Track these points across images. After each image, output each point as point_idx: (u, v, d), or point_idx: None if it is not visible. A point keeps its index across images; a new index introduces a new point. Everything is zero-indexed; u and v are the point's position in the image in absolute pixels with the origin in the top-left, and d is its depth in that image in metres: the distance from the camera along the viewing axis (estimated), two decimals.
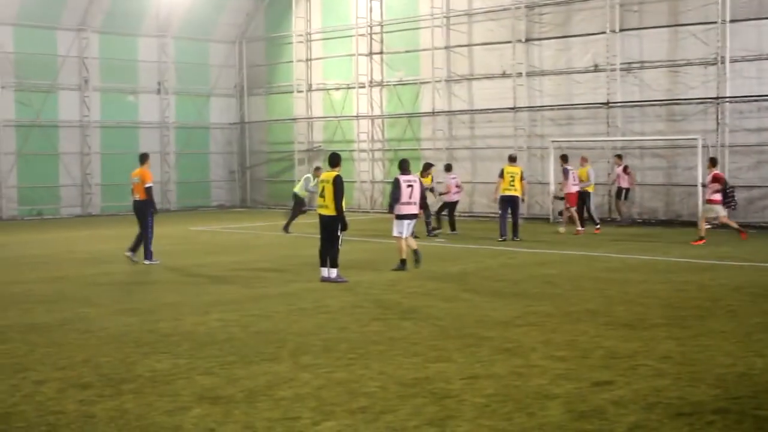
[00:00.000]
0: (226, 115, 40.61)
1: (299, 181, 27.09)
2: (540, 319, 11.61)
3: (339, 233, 15.26)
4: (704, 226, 21.63)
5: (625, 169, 27.43)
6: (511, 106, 31.45)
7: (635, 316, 11.76)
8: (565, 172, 25.31)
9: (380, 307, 12.72)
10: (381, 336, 10.56)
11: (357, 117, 36.45)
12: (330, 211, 15.15)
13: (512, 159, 23.75)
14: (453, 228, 24.86)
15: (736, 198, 25.98)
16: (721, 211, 21.61)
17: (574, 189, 25.02)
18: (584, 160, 25.65)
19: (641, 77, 28.70)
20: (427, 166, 24.66)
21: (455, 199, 25.48)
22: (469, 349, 9.75)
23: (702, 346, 9.86)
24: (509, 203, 22.78)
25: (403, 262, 16.80)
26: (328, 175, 15.22)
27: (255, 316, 11.97)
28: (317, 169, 25.76)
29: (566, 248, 20.75)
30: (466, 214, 32.16)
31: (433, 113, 33.79)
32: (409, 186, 16.88)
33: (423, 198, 23.71)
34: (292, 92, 38.74)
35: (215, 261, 18.87)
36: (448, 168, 26.31)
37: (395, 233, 16.94)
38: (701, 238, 21.42)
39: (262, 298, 13.64)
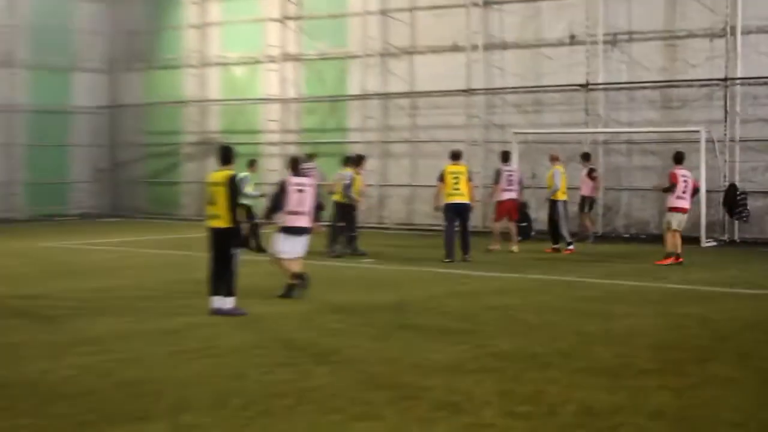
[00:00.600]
0: (92, 96, 40.22)
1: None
2: (497, 363, 11.55)
3: (234, 251, 15.06)
4: (671, 240, 21.88)
5: (590, 173, 27.44)
6: (464, 87, 31.54)
7: (619, 359, 11.76)
8: (497, 174, 25.32)
9: (289, 348, 12.57)
10: (289, 386, 10.40)
11: (265, 100, 36.27)
12: (223, 223, 14.93)
13: (456, 156, 23.49)
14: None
15: (748, 207, 26.36)
16: (674, 223, 21.88)
17: (506, 196, 25.02)
18: (554, 159, 25.55)
19: (630, 52, 29.00)
20: (359, 159, 24.49)
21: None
22: (404, 403, 9.65)
23: (704, 399, 9.87)
24: (456, 212, 22.71)
25: (290, 287, 16.72)
26: (219, 175, 15.03)
27: (122, 361, 11.72)
28: (252, 163, 25.42)
29: (533, 272, 20.79)
30: (404, 227, 32.13)
31: (364, 96, 33.75)
32: (300, 191, 16.72)
33: (349, 207, 23.70)
34: (180, 67, 38.43)
35: (73, 287, 18.50)
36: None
37: (277, 251, 16.81)
38: (669, 256, 21.73)
39: (133, 335, 13.38)
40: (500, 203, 25.24)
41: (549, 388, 10.30)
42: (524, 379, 10.69)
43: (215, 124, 38.03)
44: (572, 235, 25.57)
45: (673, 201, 21.90)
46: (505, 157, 25.76)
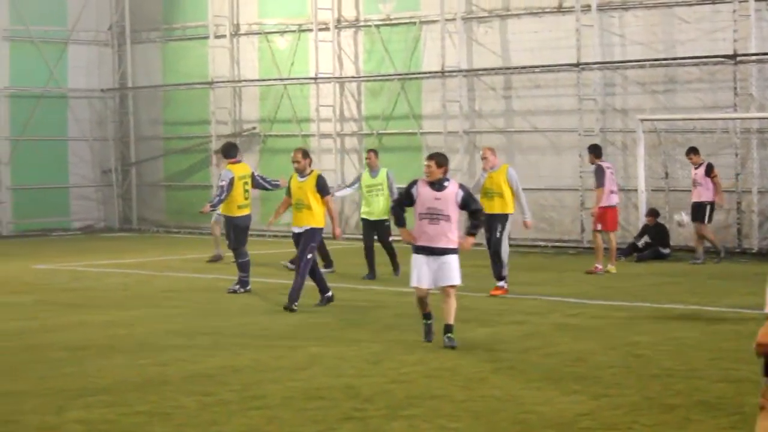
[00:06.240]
0: (95, 76, 40.53)
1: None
2: (621, 417, 11.63)
3: None
4: None
5: (709, 172, 27.19)
6: (573, 61, 31.50)
7: None
8: (599, 174, 24.94)
9: (353, 397, 12.69)
10: None
11: (316, 80, 36.41)
12: None
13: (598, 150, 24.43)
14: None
15: None
16: None
17: (615, 200, 25.20)
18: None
19: None
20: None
21: None
22: None
23: None
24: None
25: (428, 327, 16.48)
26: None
27: (144, 414, 11.94)
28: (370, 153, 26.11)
29: (666, 300, 20.75)
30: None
31: (443, 73, 33.81)
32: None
33: None
34: (207, 38, 38.68)
35: (76, 321, 18.83)
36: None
37: (414, 281, 16.22)
38: None
39: (156, 383, 13.61)
40: (605, 210, 25.03)
41: None
42: None
43: (253, 111, 38.22)
44: (712, 253, 25.53)
45: None
46: (598, 151, 25.76)
